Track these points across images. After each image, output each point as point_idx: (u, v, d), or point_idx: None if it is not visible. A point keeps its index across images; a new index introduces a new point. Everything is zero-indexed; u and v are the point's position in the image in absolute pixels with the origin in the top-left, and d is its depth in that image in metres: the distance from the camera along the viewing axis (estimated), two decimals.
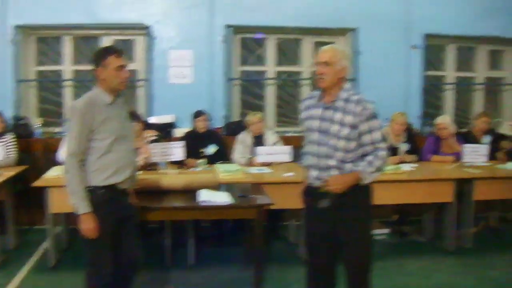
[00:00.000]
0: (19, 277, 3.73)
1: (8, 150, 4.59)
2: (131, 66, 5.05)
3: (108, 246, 2.61)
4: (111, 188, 2.58)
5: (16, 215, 4.50)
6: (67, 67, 5.49)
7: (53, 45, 5.49)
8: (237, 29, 5.53)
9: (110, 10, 5.23)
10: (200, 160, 4.59)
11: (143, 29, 5.33)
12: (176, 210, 3.31)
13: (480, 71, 6.17)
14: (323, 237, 2.63)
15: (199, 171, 4.33)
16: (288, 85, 5.95)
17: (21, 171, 4.46)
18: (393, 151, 4.66)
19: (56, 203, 3.70)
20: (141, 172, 3.97)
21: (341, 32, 5.72)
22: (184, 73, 5.37)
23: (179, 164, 4.46)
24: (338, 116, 2.51)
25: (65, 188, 2.53)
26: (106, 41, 5.41)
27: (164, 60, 5.35)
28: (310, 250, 2.73)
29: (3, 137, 4.61)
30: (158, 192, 3.40)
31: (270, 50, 5.81)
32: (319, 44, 5.63)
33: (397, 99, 5.50)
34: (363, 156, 2.54)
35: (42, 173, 4.11)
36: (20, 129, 5.04)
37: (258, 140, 4.79)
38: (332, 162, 2.52)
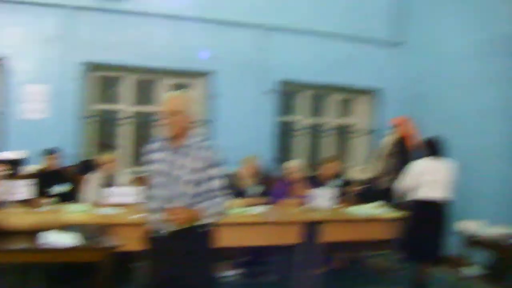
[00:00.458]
0: None
1: None
2: None
3: None
4: None
5: None
6: None
7: None
8: (94, 67, 5.38)
9: None
10: (50, 199, 4.30)
11: None
12: (16, 252, 2.97)
13: (332, 118, 6.60)
14: (166, 280, 2.57)
15: (45, 211, 4.01)
16: (144, 125, 5.80)
17: None
18: (244, 193, 4.71)
19: None
20: None
21: (199, 74, 5.77)
22: (39, 108, 5.15)
23: (26, 202, 4.09)
24: (187, 161, 2.49)
25: None
26: None
27: (19, 94, 5.09)
28: None
29: None
30: (1, 233, 3.09)
31: (127, 89, 5.67)
32: (177, 86, 5.63)
33: (251, 143, 5.56)
34: (209, 199, 2.53)
35: None
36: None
37: (110, 180, 4.61)
38: (180, 205, 2.47)
